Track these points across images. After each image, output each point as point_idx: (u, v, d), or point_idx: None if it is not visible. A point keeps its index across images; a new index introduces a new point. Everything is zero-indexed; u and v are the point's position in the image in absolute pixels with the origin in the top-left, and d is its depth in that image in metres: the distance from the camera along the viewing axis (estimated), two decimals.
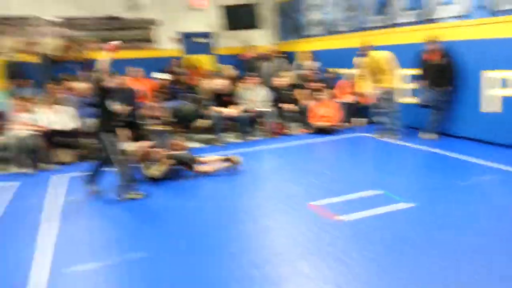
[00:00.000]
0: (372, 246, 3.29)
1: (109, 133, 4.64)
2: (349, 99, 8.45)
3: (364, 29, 8.60)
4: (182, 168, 5.51)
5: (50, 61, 9.47)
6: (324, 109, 8.04)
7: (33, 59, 9.44)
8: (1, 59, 9.32)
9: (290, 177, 5.38)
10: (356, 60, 7.74)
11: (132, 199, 4.68)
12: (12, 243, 3.77)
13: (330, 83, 9.00)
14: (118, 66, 9.67)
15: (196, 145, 7.65)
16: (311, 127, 8.03)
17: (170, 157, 5.39)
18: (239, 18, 11.09)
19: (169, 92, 8.45)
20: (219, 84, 8.03)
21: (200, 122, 8.12)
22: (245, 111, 7.82)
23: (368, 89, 7.26)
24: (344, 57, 8.74)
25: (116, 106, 4.86)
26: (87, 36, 10.24)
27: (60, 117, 6.83)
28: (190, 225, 3.99)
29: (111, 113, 4.71)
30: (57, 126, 6.69)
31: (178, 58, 10.86)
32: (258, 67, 9.77)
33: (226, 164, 5.60)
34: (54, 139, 6.54)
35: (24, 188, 5.48)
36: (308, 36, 10.70)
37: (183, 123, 7.98)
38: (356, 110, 8.41)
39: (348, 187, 4.78)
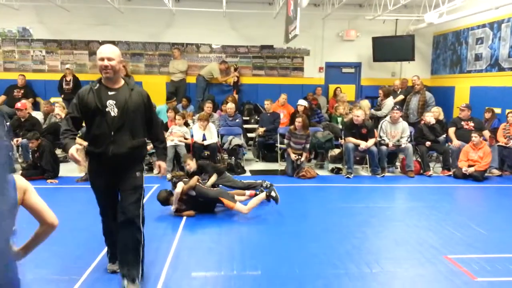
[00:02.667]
0: None
1: None
2: (509, 143, 7.37)
3: None
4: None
5: (206, 82, 10.60)
6: (477, 152, 7.16)
7: (193, 80, 10.70)
8: (168, 77, 10.83)
9: (426, 223, 4.88)
10: None
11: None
12: (153, 242, 4.22)
13: (488, 123, 8.01)
14: (265, 91, 10.49)
15: (326, 173, 7.60)
16: (457, 170, 7.22)
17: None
18: (389, 49, 10.72)
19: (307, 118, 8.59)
20: (358, 115, 7.86)
21: (333, 151, 8.08)
22: (382, 145, 7.47)
23: None
24: (508, 97, 7.71)
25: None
26: (242, 62, 11.20)
27: (208, 133, 7.53)
28: (308, 254, 3.92)
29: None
30: (204, 141, 7.39)
31: (321, 86, 11.08)
32: (406, 101, 9.28)
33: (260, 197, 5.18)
34: (198, 151, 7.23)
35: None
36: (469, 72, 9.78)
37: (316, 150, 8.05)
38: None
39: (496, 245, 4.13)
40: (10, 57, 10.62)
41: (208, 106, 8.34)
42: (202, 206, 5.10)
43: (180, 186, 4.98)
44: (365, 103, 9.94)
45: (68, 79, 9.78)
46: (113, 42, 10.68)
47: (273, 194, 5.14)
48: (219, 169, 5.89)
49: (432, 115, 7.93)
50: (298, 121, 7.28)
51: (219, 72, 10.64)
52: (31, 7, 10.10)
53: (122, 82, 3.06)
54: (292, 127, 7.43)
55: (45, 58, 10.79)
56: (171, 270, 3.52)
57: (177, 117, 7.65)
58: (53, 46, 10.74)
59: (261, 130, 8.46)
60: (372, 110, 8.62)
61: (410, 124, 8.44)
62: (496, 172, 7.44)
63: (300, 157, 7.15)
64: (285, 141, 7.46)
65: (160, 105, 8.85)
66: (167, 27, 10.89)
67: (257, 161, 8.52)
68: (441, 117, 8.48)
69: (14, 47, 10.71)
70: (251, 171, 7.65)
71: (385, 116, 8.34)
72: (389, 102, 8.95)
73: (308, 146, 7.35)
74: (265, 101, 8.99)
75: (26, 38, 10.69)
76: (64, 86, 9.77)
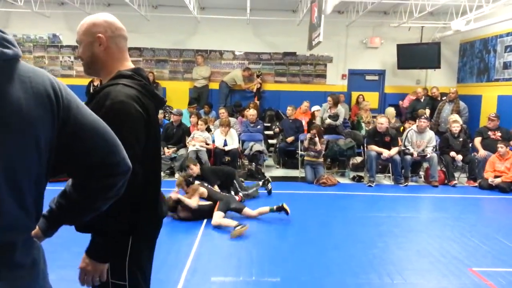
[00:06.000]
0: None
1: None
2: None
3: None
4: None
5: (228, 89, 10.68)
6: (503, 163, 6.95)
7: (216, 86, 10.80)
8: (192, 83, 10.97)
9: (450, 234, 4.75)
10: None
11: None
12: (175, 245, 4.27)
13: None
14: (288, 98, 10.48)
15: (347, 181, 7.53)
16: (483, 180, 7.02)
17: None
18: (414, 57, 10.55)
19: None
20: (382, 122, 7.76)
21: (355, 159, 8.00)
22: (406, 154, 7.34)
23: None
24: None
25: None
26: (264, 69, 11.25)
27: (229, 139, 7.57)
28: (329, 262, 3.87)
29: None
30: (225, 147, 7.44)
31: (344, 94, 10.99)
32: (438, 109, 9.10)
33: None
34: (219, 157, 7.28)
35: None
36: (496, 80, 9.53)
37: (338, 157, 7.99)
38: None
39: None
40: (40, 63, 10.97)
41: (222, 112, 8.39)
42: (202, 212, 5.05)
43: (195, 201, 4.98)
44: (390, 110, 9.80)
45: (96, 83, 10.04)
46: (139, 49, 10.92)
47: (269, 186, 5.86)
48: (225, 176, 5.96)
49: (458, 124, 7.72)
50: (312, 130, 7.27)
51: (242, 79, 10.70)
52: (61, 15, 10.43)
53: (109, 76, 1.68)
54: (309, 135, 7.39)
55: (73, 63, 11.10)
56: (190, 275, 3.54)
57: (199, 122, 7.74)
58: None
59: (290, 139, 8.33)
60: (329, 120, 8.35)
61: (441, 133, 8.27)
62: None
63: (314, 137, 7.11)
64: (301, 152, 7.46)
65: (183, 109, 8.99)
66: (191, 34, 11.06)
67: (277, 168, 8.50)
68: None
69: (44, 53, 11.07)
70: (271, 177, 7.62)
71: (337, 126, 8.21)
72: (342, 110, 8.66)
73: (323, 152, 7.34)
74: (288, 107, 8.99)
75: (56, 44, 11.04)
76: (91, 91, 10.01)
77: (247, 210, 5.10)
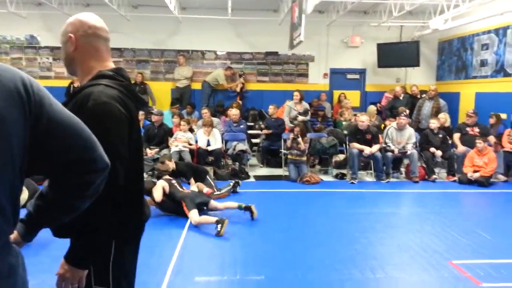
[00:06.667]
0: None
1: None
2: None
3: None
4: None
5: (211, 88, 10.65)
6: (482, 158, 7.12)
7: (198, 86, 10.76)
8: (173, 84, 10.90)
9: (430, 229, 4.85)
10: None
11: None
12: (158, 246, 4.24)
13: (493, 129, 7.97)
14: (270, 97, 10.51)
15: (330, 179, 7.60)
16: (463, 175, 7.18)
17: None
18: (394, 56, 10.72)
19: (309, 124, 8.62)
20: (363, 120, 7.86)
21: (337, 157, 8.09)
22: (387, 151, 7.46)
23: None
24: None
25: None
26: (247, 68, 11.26)
27: (212, 139, 7.56)
28: (312, 259, 3.90)
29: None
30: (208, 147, 7.42)
31: (325, 93, 11.10)
32: (418, 106, 9.25)
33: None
34: (202, 157, 7.27)
35: None
36: (474, 77, 9.76)
37: (320, 156, 8.06)
38: None
39: (501, 250, 4.10)
40: (17, 64, 10.74)
41: (205, 112, 8.37)
42: (172, 207, 5.12)
43: (159, 194, 5.00)
44: (372, 109, 9.93)
45: (76, 85, 9.88)
46: (119, 49, 10.79)
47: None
48: (198, 172, 6.07)
49: (436, 121, 7.89)
50: (296, 128, 7.34)
51: (225, 78, 10.69)
52: (38, 15, 10.23)
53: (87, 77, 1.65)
54: (291, 135, 7.44)
55: (52, 65, 10.91)
56: (173, 275, 3.53)
57: (182, 122, 7.70)
58: (60, 53, 10.80)
59: (266, 131, 8.46)
60: (301, 117, 8.37)
61: (421, 130, 8.42)
62: (501, 177, 7.39)
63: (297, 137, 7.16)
64: (285, 151, 7.49)
65: (165, 110, 8.93)
66: (173, 34, 10.99)
67: (261, 167, 8.53)
68: (447, 123, 8.43)
69: (22, 54, 10.85)
70: (255, 177, 7.66)
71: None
72: (307, 105, 8.76)
73: (306, 151, 7.40)
74: (269, 106, 9.04)
75: (34, 46, 10.83)
76: (71, 92, 9.85)
77: (213, 203, 5.10)
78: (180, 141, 7.38)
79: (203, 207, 5.06)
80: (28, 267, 1.27)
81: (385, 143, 7.61)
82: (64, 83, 10.10)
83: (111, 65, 1.69)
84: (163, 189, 5.07)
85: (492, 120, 8.21)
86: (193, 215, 4.79)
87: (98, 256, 1.56)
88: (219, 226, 4.49)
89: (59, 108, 1.20)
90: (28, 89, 1.12)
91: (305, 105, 8.31)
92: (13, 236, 1.22)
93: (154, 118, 7.76)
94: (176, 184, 5.28)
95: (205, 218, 4.77)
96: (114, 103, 1.51)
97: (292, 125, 8.03)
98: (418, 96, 9.94)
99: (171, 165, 5.85)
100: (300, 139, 7.20)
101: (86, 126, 1.23)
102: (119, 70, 1.65)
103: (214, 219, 4.63)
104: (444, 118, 8.36)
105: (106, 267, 1.61)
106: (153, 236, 4.42)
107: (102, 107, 1.48)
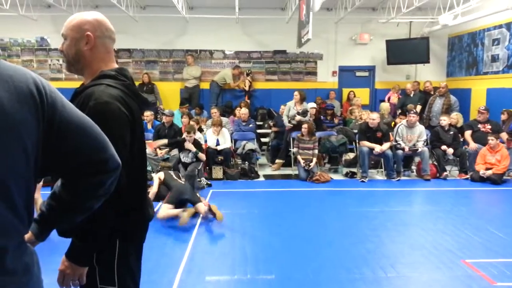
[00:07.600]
0: None
1: None
2: None
3: None
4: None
5: (219, 88, 10.67)
6: (494, 155, 7.02)
7: (207, 86, 10.78)
8: (182, 84, 10.93)
9: (442, 227, 4.80)
10: None
11: None
12: (169, 245, 4.26)
13: (505, 126, 7.86)
14: (279, 96, 10.48)
15: (340, 177, 7.57)
16: (475, 173, 7.09)
17: None
18: (404, 52, 10.62)
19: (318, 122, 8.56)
20: (373, 118, 7.80)
21: (347, 155, 8.04)
22: (398, 149, 7.40)
23: None
24: None
25: None
26: (255, 67, 11.25)
27: (222, 138, 7.56)
28: (323, 258, 3.89)
29: None
30: (218, 146, 7.43)
31: (334, 91, 11.04)
32: (429, 103, 9.16)
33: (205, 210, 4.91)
34: (212, 156, 7.27)
35: None
36: (485, 73, 9.62)
37: (330, 154, 8.02)
38: None
39: None
40: (28, 66, 10.85)
41: (214, 112, 8.38)
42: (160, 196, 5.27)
43: (155, 185, 5.29)
44: (385, 106, 9.81)
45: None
46: (128, 50, 10.86)
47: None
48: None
49: (447, 118, 7.79)
50: (304, 127, 7.30)
51: (232, 77, 10.69)
52: (48, 18, 10.34)
53: (92, 76, 1.67)
54: (299, 134, 7.42)
55: (62, 66, 11.02)
56: (184, 275, 3.54)
57: (191, 122, 7.71)
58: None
59: (275, 129, 8.44)
60: (298, 116, 8.26)
61: (432, 127, 8.32)
62: None
63: (309, 163, 7.14)
64: (294, 149, 7.45)
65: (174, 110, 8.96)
66: (181, 34, 11.02)
67: (270, 166, 8.51)
68: (460, 124, 8.26)
69: (33, 56, 10.98)
70: (264, 176, 7.65)
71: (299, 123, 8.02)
72: (308, 106, 8.62)
73: (316, 151, 7.34)
74: (281, 106, 8.94)
75: (44, 48, 10.95)
76: (74, 92, 9.92)
77: (199, 206, 4.87)
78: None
79: (186, 204, 5.09)
80: (42, 266, 1.28)
81: (396, 141, 7.55)
82: (75, 84, 10.07)
83: (114, 65, 1.69)
84: (159, 178, 5.31)
85: (504, 117, 8.09)
86: (163, 208, 4.84)
87: (104, 257, 1.58)
88: (184, 213, 4.67)
89: (71, 109, 1.20)
90: (41, 90, 1.13)
91: (306, 105, 8.27)
92: (27, 235, 1.23)
93: (165, 118, 7.77)
94: (173, 175, 5.39)
95: (172, 212, 4.82)
96: (115, 102, 1.52)
97: (289, 124, 7.99)
98: (432, 93, 9.82)
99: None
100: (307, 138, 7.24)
101: (97, 127, 1.24)
102: (122, 70, 1.66)
103: (179, 210, 4.78)
104: (456, 118, 8.19)
105: (111, 267, 1.63)
106: (164, 236, 4.45)
107: (103, 106, 1.49)
